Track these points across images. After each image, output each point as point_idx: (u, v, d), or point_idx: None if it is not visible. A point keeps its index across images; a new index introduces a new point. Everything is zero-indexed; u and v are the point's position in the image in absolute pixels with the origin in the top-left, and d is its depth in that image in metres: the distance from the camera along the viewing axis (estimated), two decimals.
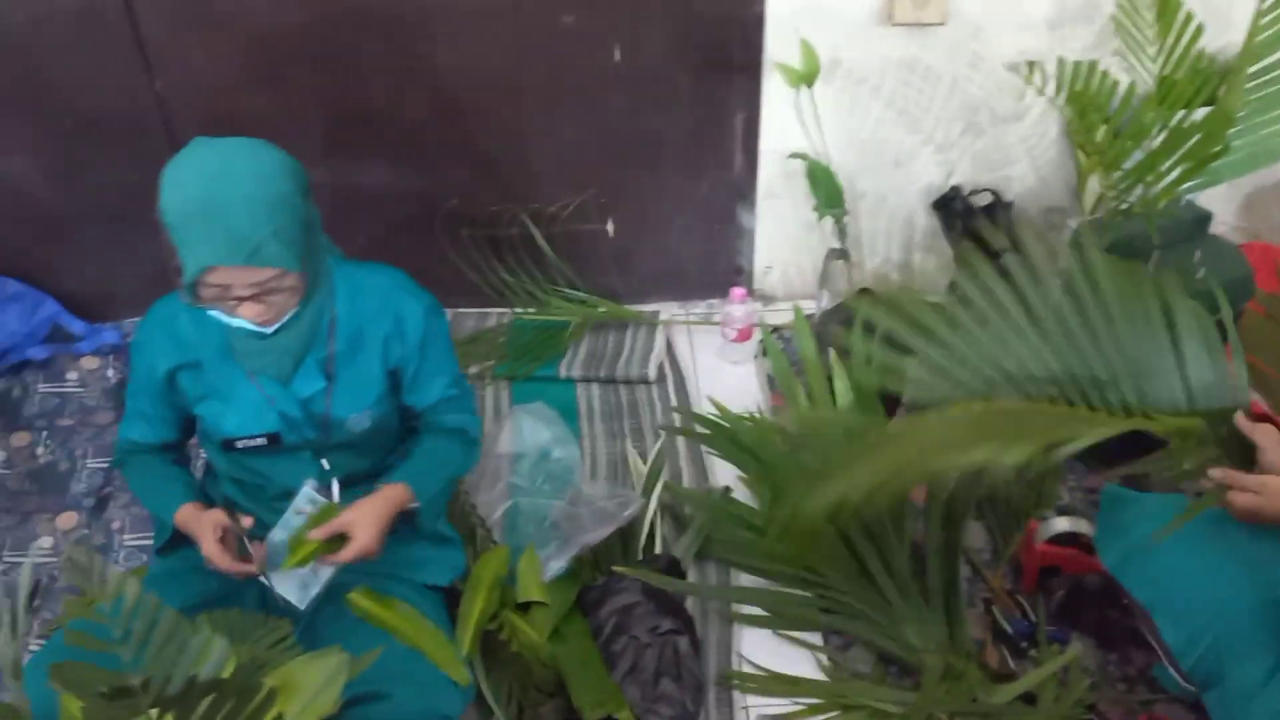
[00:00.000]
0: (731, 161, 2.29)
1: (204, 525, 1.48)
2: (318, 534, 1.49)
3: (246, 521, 1.50)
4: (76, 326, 2.35)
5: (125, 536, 1.92)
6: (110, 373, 2.31)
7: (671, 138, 2.24)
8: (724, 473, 2.02)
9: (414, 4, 2.03)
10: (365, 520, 1.50)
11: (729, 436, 1.98)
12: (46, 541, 1.93)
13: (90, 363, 2.33)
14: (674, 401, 2.20)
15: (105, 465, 2.08)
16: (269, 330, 1.47)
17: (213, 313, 1.43)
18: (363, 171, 2.25)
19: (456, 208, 2.29)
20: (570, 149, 2.24)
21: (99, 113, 2.13)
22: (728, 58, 2.15)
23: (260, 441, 1.57)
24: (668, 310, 2.45)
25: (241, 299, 1.38)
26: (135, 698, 0.91)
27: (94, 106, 2.12)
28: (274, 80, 2.12)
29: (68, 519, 1.98)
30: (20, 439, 2.14)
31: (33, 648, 1.71)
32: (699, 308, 2.48)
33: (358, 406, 1.59)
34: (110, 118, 2.14)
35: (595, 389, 2.24)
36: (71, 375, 2.29)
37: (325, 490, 1.60)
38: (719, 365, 2.31)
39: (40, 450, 2.12)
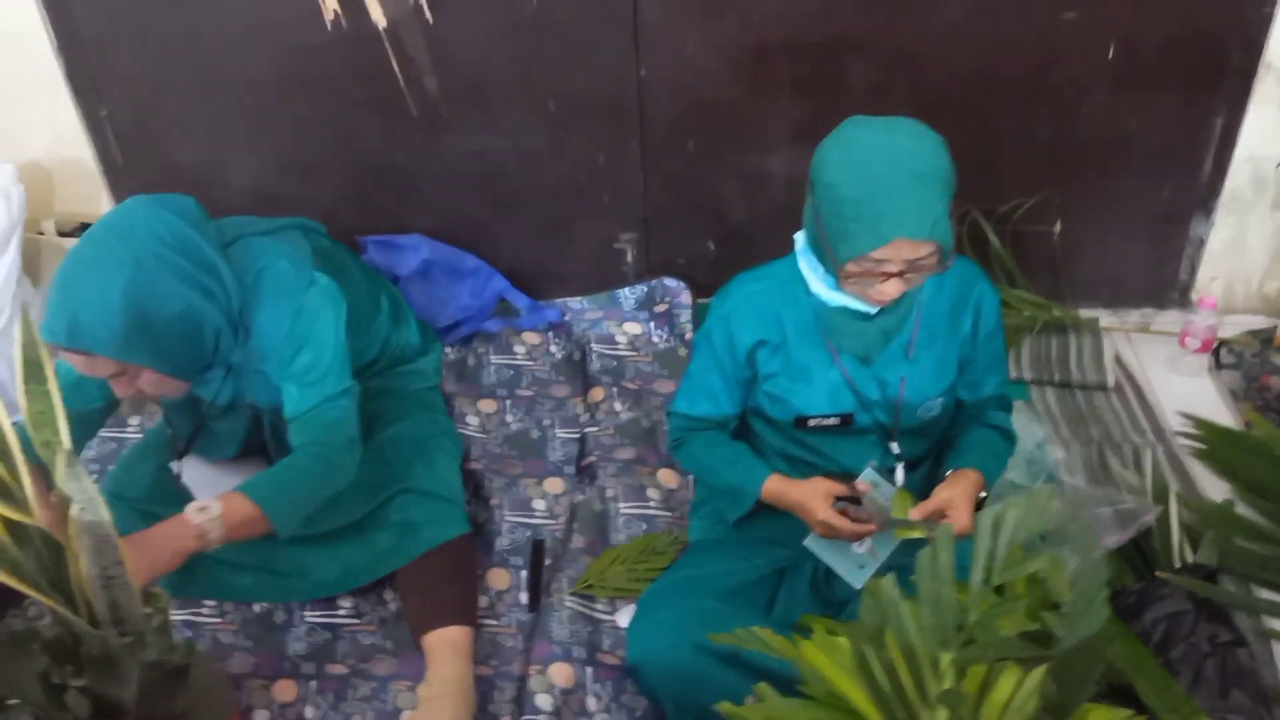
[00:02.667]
0: (1199, 168, 2.22)
1: (814, 494, 1.51)
2: (919, 512, 1.50)
3: (862, 487, 1.52)
4: (521, 302, 2.45)
5: (621, 505, 1.97)
6: (553, 348, 2.39)
7: (1142, 140, 2.19)
8: (1209, 485, 1.96)
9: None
10: (962, 500, 1.50)
11: (1225, 449, 1.92)
12: (540, 504, 2.01)
13: (532, 338, 2.42)
14: (1136, 410, 2.14)
15: (575, 435, 2.15)
16: (874, 311, 1.48)
17: (818, 291, 1.47)
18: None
19: None
20: (1038, 148, 2.21)
21: (583, 96, 2.21)
22: (1223, 58, 2.08)
23: (833, 421, 1.59)
24: (1102, 316, 2.39)
25: (890, 275, 1.40)
26: None
27: (580, 89, 2.20)
28: (754, 71, 2.16)
29: (554, 484, 2.05)
30: (487, 405, 2.24)
31: (569, 603, 1.78)
32: (1132, 315, 2.41)
33: (932, 392, 1.59)
34: (592, 101, 2.22)
35: (1050, 392, 2.20)
36: (519, 349, 2.38)
37: (886, 473, 1.61)
38: (1168, 376, 2.24)
39: (510, 418, 2.21)
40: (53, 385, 1.28)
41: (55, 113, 2.26)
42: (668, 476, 2.03)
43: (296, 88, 2.23)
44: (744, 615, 1.48)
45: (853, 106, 2.16)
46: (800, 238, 1.56)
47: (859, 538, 1.50)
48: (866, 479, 1.58)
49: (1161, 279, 2.38)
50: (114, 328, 1.45)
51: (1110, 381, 2.19)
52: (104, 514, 1.23)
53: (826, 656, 1.07)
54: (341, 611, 1.81)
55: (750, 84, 2.18)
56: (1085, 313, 2.37)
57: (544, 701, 1.62)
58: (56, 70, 2.20)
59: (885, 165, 1.34)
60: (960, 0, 2.05)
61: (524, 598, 1.84)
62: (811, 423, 1.59)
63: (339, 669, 1.73)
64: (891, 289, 1.41)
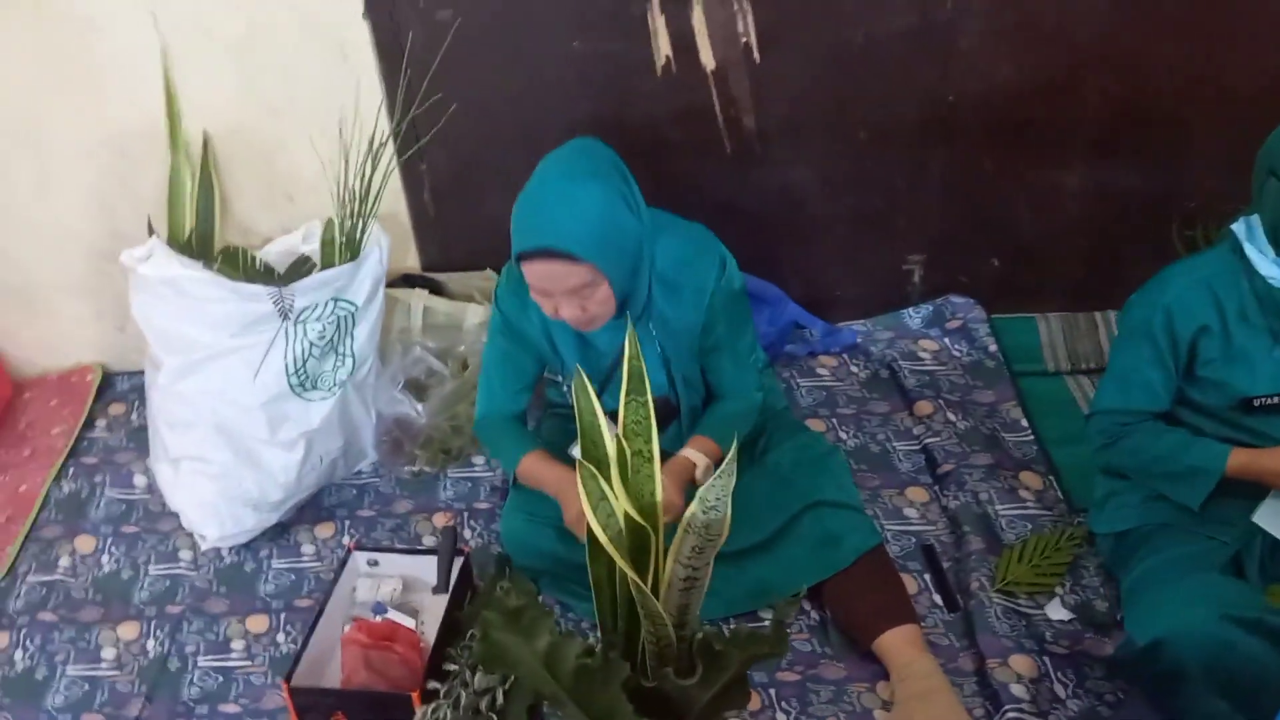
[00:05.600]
0: None
1: None
2: None
3: None
4: (817, 327, 2.53)
5: (999, 507, 2.03)
6: (853, 369, 2.47)
7: None
8: None
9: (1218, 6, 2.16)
10: None
11: None
12: (911, 512, 2.07)
13: (829, 360, 2.49)
14: None
15: (915, 447, 2.22)
16: None
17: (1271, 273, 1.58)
18: (1108, 170, 2.37)
19: (1192, 210, 2.39)
20: None
21: (892, 124, 2.31)
22: None
23: (1276, 400, 1.67)
24: None
25: None
26: None
27: (890, 118, 2.30)
28: (1062, 90, 2.27)
29: (917, 493, 2.11)
30: (816, 424, 2.30)
31: (996, 600, 1.83)
32: None
33: None
34: (900, 128, 2.32)
35: None
36: (821, 371, 2.46)
37: None
38: None
39: (844, 434, 2.27)
40: (650, 398, 1.35)
41: None
42: (1030, 478, 2.10)
43: (614, 132, 2.32)
44: (1243, 587, 1.55)
45: (1151, 119, 2.30)
46: (1240, 226, 1.64)
47: None
48: None
49: None
50: (594, 234, 1.60)
51: None
52: (727, 512, 1.29)
53: None
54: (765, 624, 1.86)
55: (1055, 102, 2.28)
56: None
57: (1019, 691, 1.67)
58: (383, 126, 2.30)
59: None
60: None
61: (938, 599, 1.89)
62: (1257, 403, 1.66)
63: (792, 676, 1.77)
64: None
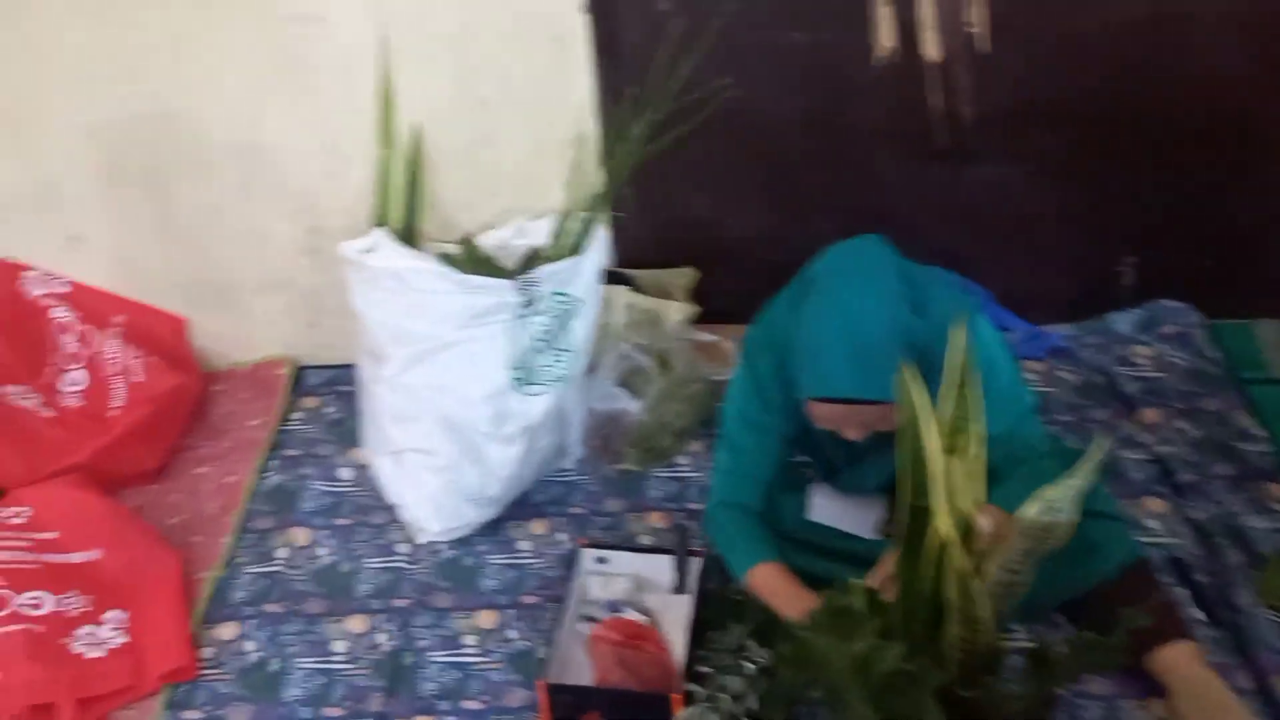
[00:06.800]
0: None
1: None
2: None
3: None
4: (1020, 329, 2.45)
5: (1252, 520, 1.94)
6: (1060, 373, 2.38)
7: None
8: None
9: None
10: None
11: None
12: (1153, 524, 1.98)
13: (1034, 365, 2.41)
14: None
15: (1147, 458, 2.12)
16: None
17: None
18: None
19: None
20: None
21: (1113, 115, 2.23)
22: None
23: None
24: None
25: None
26: None
27: (1115, 109, 2.22)
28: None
29: (1155, 504, 2.02)
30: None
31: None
32: None
33: None
34: (1122, 120, 2.23)
35: None
36: (1030, 375, 2.37)
37: None
38: None
39: (1068, 443, 2.19)
40: (977, 391, 1.30)
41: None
42: (1277, 489, 2.00)
43: (823, 126, 2.28)
44: None
45: None
46: None
47: None
48: None
49: None
50: (892, 369, 1.47)
51: None
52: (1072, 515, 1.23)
53: None
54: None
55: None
56: None
57: None
58: (592, 125, 2.28)
59: None
60: None
61: (1199, 613, 1.80)
62: None
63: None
64: None
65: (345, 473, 2.29)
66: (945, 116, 2.24)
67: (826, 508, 1.88)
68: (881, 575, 1.52)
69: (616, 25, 2.17)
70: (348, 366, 2.49)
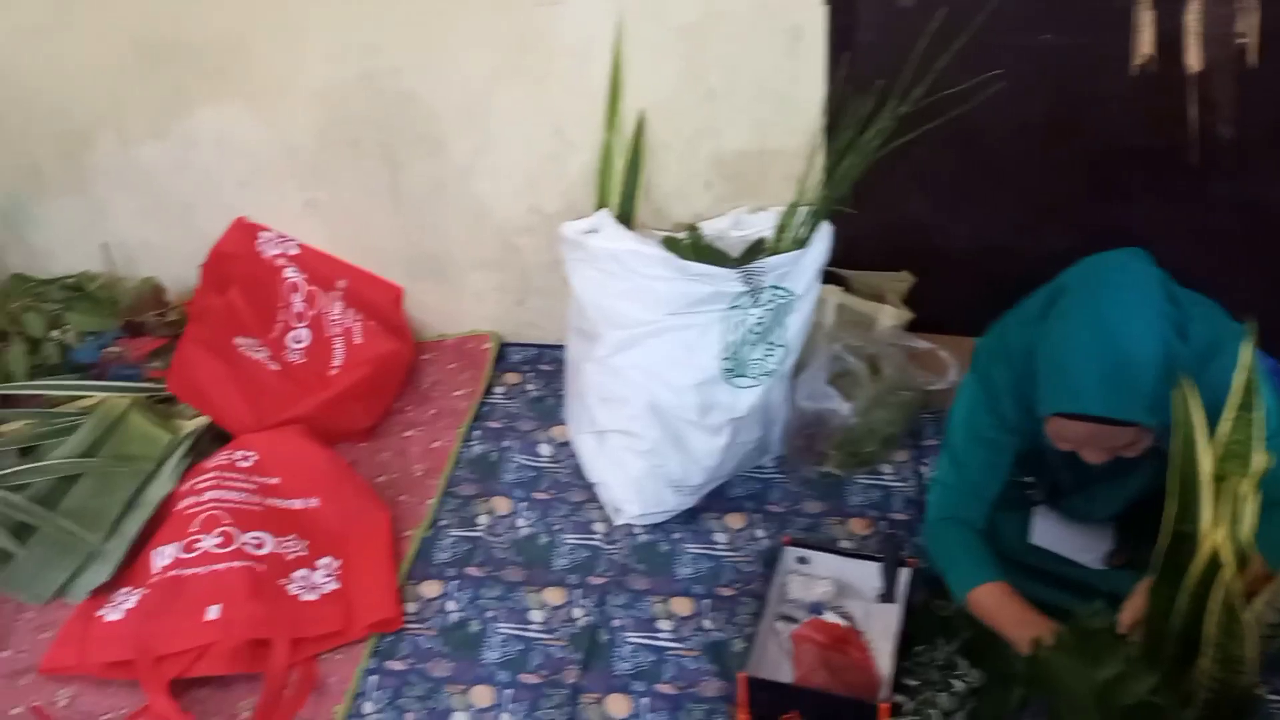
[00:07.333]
0: None
1: None
2: None
3: None
4: (1266, 363, 2.27)
5: None
6: None
7: None
8: None
9: None
10: None
11: None
12: None
13: None
14: None
15: None
16: None
17: None
18: None
19: None
20: None
21: None
22: None
23: None
24: None
25: None
26: None
27: None
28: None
29: None
30: None
31: None
32: None
33: None
34: None
35: None
36: None
37: None
38: None
39: None
40: (1258, 415, 1.20)
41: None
42: None
43: (1068, 135, 2.17)
44: None
45: None
46: None
47: None
48: None
49: None
50: (1152, 395, 1.39)
51: None
52: None
53: None
54: None
55: None
56: None
57: None
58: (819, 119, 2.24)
59: None
60: None
61: None
62: None
63: None
64: None
65: (545, 449, 2.33)
66: (1201, 131, 2.10)
67: (1051, 532, 1.79)
68: (1133, 613, 1.40)
69: (854, 20, 2.13)
70: (550, 346, 2.55)
